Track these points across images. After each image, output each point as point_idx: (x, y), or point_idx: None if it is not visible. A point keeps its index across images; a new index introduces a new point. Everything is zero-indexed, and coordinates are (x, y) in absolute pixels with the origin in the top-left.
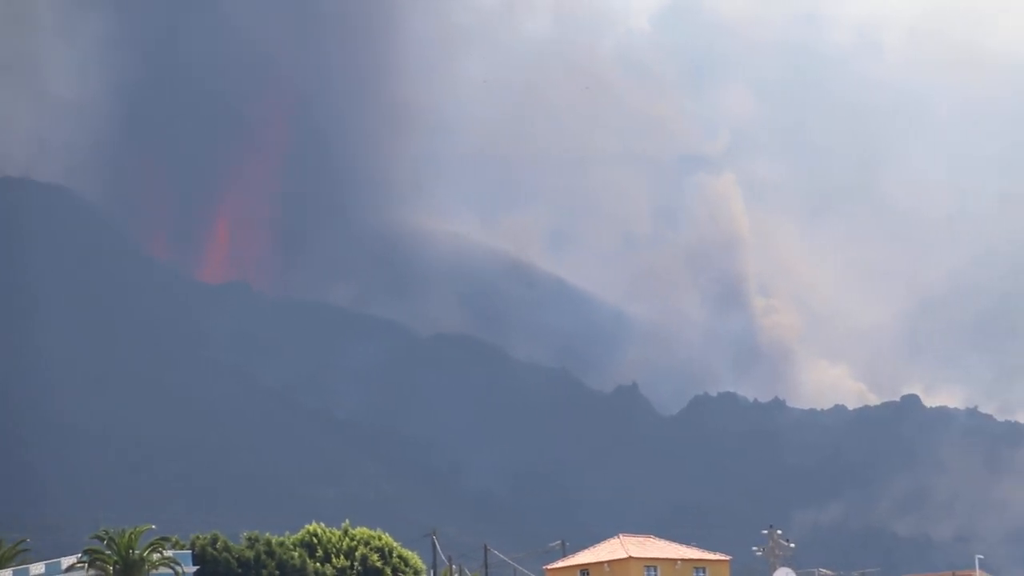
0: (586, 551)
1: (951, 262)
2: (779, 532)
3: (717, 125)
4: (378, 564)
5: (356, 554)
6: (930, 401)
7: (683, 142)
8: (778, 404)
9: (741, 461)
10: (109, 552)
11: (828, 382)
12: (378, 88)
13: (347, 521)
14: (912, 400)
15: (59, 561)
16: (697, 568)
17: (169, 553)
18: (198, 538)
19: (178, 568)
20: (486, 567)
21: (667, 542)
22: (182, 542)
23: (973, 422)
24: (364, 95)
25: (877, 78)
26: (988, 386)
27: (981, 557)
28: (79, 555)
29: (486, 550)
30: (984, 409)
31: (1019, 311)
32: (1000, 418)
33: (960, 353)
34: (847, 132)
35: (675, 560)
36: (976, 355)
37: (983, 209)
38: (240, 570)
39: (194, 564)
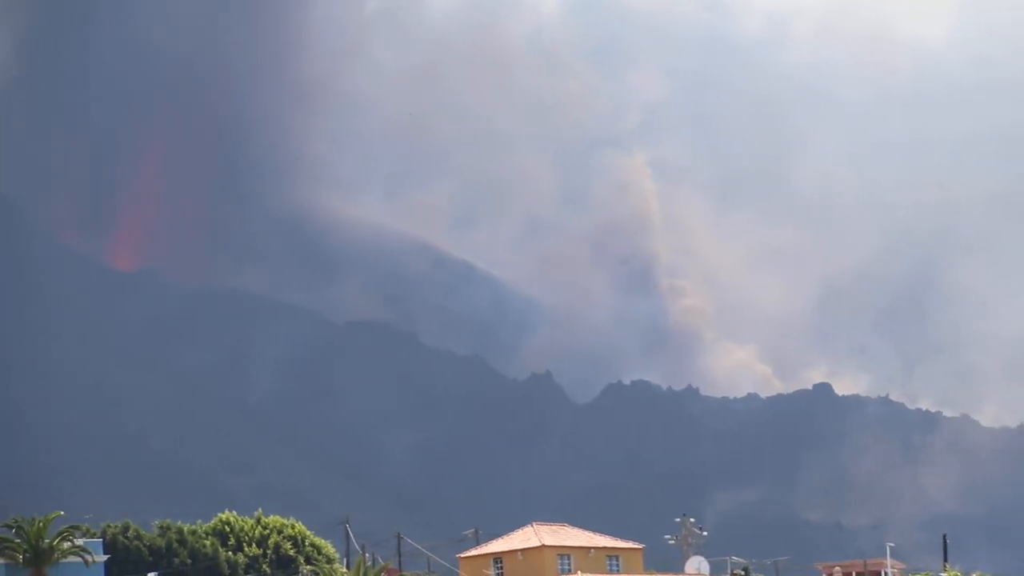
0: (500, 539)
1: (859, 249)
2: (692, 520)
3: (627, 108)
4: (291, 552)
5: (269, 542)
6: (842, 389)
7: (592, 125)
8: (691, 392)
9: (655, 449)
10: (19, 541)
11: (738, 368)
12: (287, 70)
13: (260, 510)
14: (824, 388)
15: None
16: (610, 556)
17: (80, 542)
18: (109, 526)
19: (88, 557)
20: (399, 555)
21: (580, 530)
22: (93, 530)
23: (885, 410)
24: (272, 77)
25: (787, 67)
26: (899, 374)
27: (892, 545)
28: None
29: (399, 538)
30: (895, 397)
31: (926, 298)
32: (911, 406)
33: (869, 340)
34: (756, 119)
35: (588, 548)
36: (885, 343)
37: (891, 196)
38: (151, 559)
39: (105, 552)
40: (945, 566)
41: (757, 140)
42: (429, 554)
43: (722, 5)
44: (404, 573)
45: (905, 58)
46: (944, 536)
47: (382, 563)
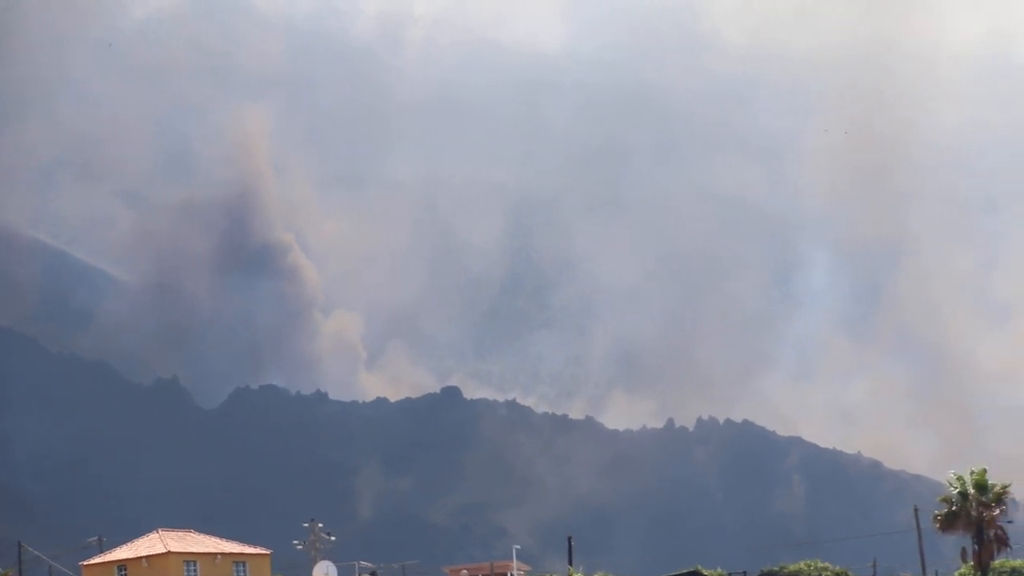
0: (124, 547)
1: (467, 246)
2: (320, 525)
3: (234, 89)
4: None
5: None
6: (470, 393)
7: (201, 97)
8: (320, 396)
9: (283, 454)
10: None
11: (364, 370)
12: None
13: None
14: (452, 392)
15: None
16: (237, 562)
17: None
18: None
19: None
20: (20, 564)
21: (207, 536)
22: None
23: (513, 414)
24: None
25: (397, 67)
26: (524, 377)
27: (518, 547)
28: None
29: (20, 546)
30: (523, 401)
31: (542, 297)
32: (538, 409)
33: (493, 342)
34: (364, 119)
35: (215, 554)
36: (507, 345)
37: (501, 197)
38: None
39: None
40: (570, 569)
41: (362, 138)
42: (51, 562)
43: (334, 10)
44: None
45: (513, 61)
46: (569, 538)
47: (2, 571)
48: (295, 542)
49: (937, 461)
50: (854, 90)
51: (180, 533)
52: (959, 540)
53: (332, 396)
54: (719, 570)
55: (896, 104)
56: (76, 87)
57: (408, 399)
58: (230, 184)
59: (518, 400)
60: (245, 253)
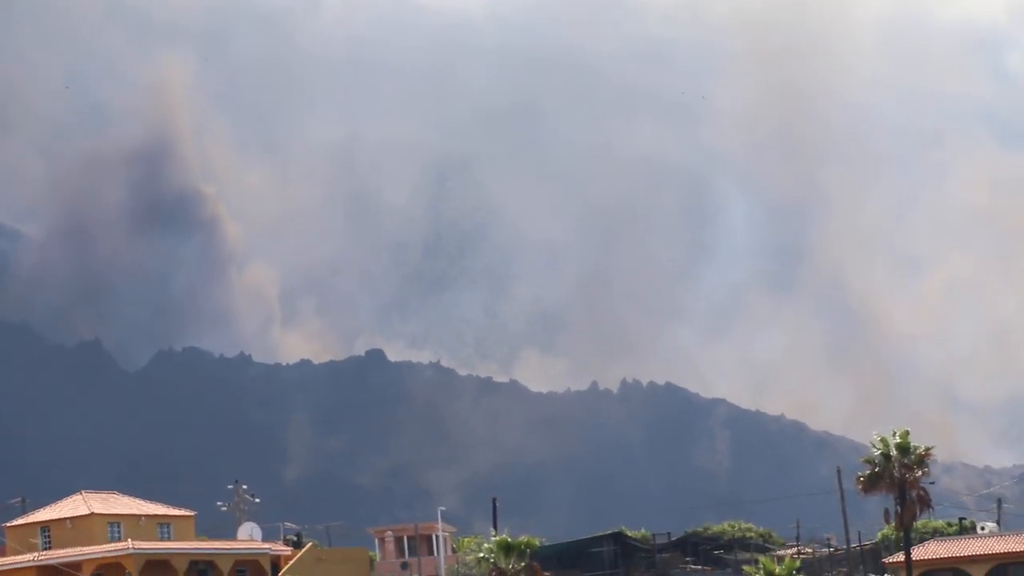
0: (47, 508)
1: (387, 207)
2: (244, 487)
3: (154, 46)
4: None
5: None
6: (394, 355)
7: (115, 49)
8: (244, 359)
9: (208, 417)
10: None
11: (288, 332)
12: None
13: None
14: (377, 354)
15: None
16: (161, 524)
17: None
18: None
19: None
20: None
21: (131, 498)
22: None
23: (439, 376)
24: None
25: (315, 27)
26: (447, 338)
27: (443, 509)
28: None
29: None
30: (447, 363)
31: (464, 259)
32: (462, 372)
33: (415, 303)
34: (281, 76)
35: (139, 516)
36: (429, 306)
37: (416, 157)
38: None
39: None
40: (494, 530)
41: (273, 102)
42: None
43: None
44: None
45: (426, 26)
46: (494, 499)
47: None
48: (219, 504)
49: (855, 419)
50: (769, 50)
51: (104, 495)
52: (882, 501)
53: (256, 359)
54: (644, 531)
55: (810, 63)
56: None
57: (333, 361)
58: (145, 136)
59: (442, 362)
60: (162, 206)
